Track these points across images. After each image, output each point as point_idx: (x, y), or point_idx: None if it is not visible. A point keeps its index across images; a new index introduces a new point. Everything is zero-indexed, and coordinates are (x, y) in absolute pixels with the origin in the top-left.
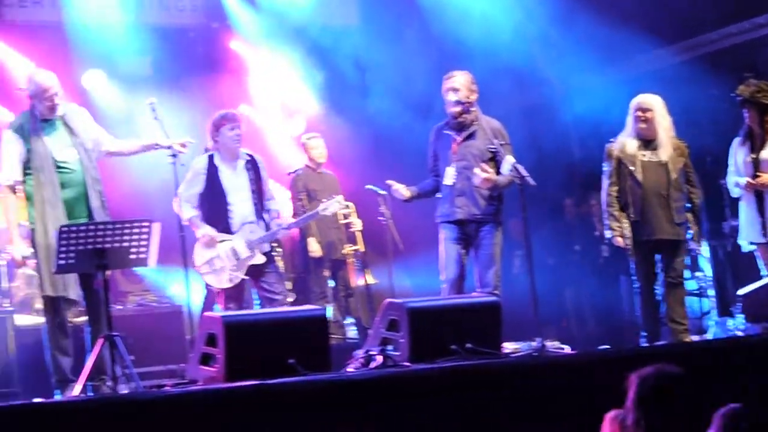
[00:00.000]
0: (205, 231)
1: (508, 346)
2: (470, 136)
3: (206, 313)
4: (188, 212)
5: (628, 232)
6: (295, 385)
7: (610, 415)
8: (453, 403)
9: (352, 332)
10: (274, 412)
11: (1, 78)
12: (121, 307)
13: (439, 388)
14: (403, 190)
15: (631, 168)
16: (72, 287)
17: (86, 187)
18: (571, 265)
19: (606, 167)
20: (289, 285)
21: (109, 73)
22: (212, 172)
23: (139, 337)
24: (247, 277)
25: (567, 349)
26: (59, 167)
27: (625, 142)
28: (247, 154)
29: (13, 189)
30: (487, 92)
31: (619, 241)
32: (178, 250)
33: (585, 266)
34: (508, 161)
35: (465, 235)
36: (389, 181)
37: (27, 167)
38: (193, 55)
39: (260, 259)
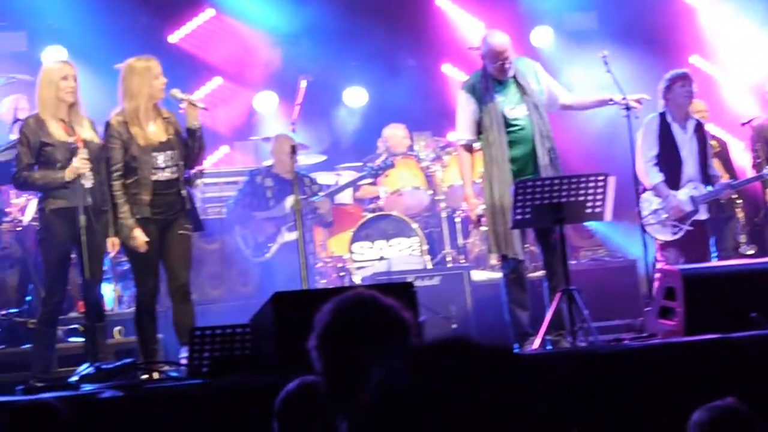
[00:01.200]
0: (677, 203)
1: None
2: None
3: (664, 267)
4: (655, 177)
5: None
6: (759, 338)
7: None
8: None
9: None
10: (735, 366)
11: (453, 38)
12: (574, 261)
13: None
14: None
15: None
16: (512, 246)
17: (534, 144)
18: None
19: None
20: (743, 238)
21: (556, 29)
22: (665, 129)
23: (594, 291)
24: (691, 228)
25: None
26: (509, 126)
27: None
28: (695, 119)
29: (467, 147)
30: None
31: None
32: (629, 203)
33: None
34: None
35: None
36: None
37: (480, 126)
38: (639, 8)
39: (704, 215)
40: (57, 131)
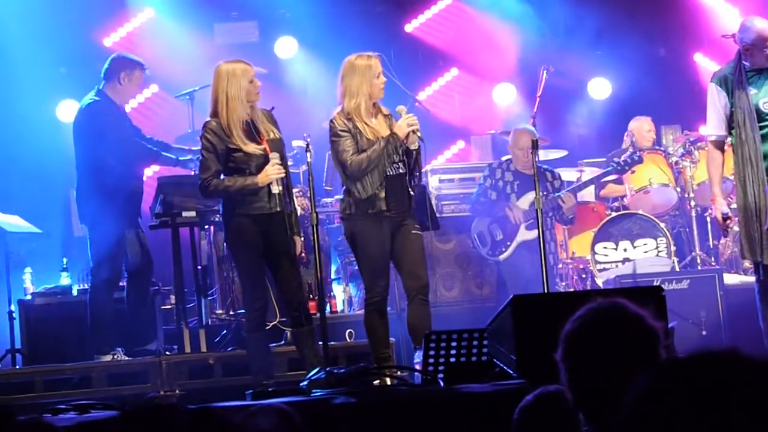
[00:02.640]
0: None
1: None
2: None
3: None
4: None
5: None
6: None
7: None
8: None
9: None
10: None
11: (706, 25)
12: None
13: None
14: None
15: None
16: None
17: None
18: None
19: None
20: None
21: None
22: None
23: None
24: None
25: None
26: (762, 120)
27: None
28: None
29: (717, 144)
30: None
31: None
32: None
33: None
34: None
35: None
36: None
37: (731, 120)
38: None
39: None
40: (243, 137)
